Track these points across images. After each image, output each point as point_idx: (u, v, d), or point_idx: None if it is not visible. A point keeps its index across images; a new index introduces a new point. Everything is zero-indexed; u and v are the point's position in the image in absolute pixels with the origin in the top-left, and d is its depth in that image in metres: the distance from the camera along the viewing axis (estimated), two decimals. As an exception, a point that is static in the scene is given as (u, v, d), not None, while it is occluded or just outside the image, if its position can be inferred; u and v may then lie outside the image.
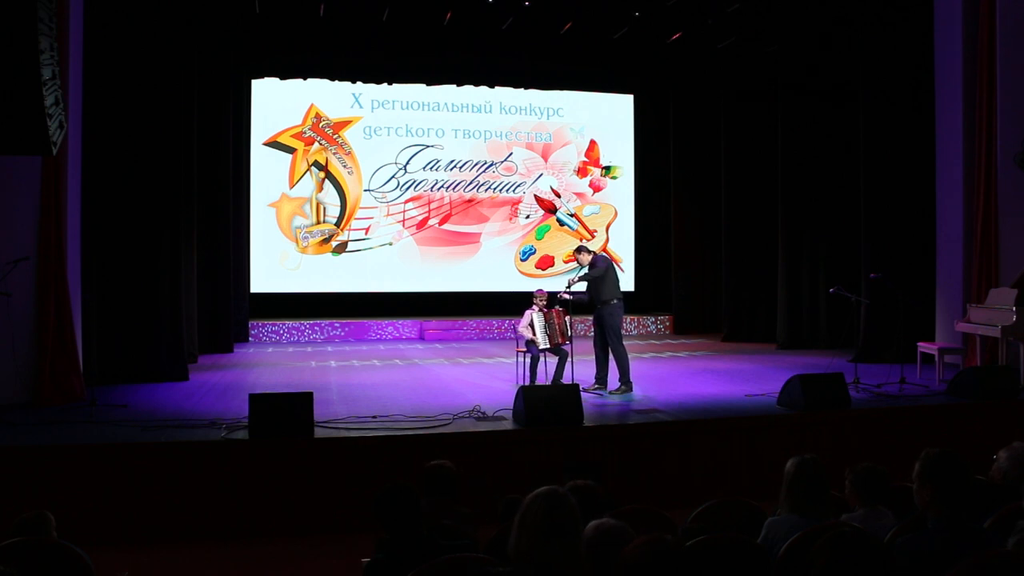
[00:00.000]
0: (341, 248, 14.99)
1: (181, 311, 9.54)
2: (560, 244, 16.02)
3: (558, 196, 16.03)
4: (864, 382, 8.42)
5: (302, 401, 6.36)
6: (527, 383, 8.42)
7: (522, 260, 15.84)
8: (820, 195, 12.74)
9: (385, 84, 15.12)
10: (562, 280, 14.51)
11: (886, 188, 11.11)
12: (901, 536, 3.12)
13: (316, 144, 14.84)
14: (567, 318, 8.72)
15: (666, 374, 10.03)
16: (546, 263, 15.94)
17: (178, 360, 9.30)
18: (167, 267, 9.38)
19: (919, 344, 9.61)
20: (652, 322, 15.91)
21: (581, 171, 16.21)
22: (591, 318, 14.50)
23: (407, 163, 15.29)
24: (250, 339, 13.67)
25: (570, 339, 8.70)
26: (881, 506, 3.75)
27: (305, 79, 14.70)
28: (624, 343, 8.51)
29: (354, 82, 14.96)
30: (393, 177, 15.22)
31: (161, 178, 9.32)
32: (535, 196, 15.92)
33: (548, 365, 8.93)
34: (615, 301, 8.48)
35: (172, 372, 9.13)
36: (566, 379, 8.42)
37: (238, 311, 13.22)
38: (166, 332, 9.24)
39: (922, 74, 10.76)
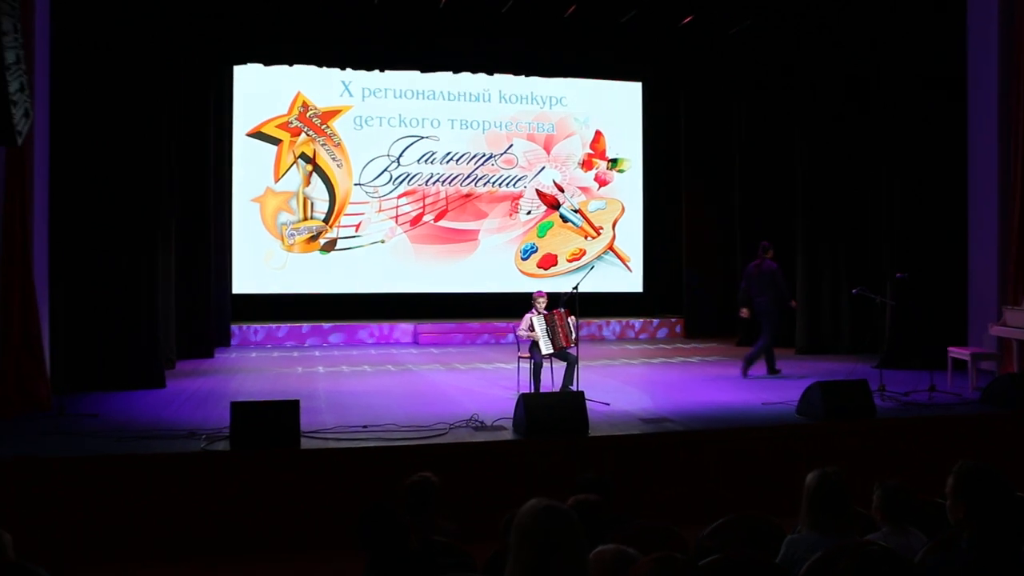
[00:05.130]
0: (330, 246, 14.96)
1: (158, 313, 9.51)
2: (563, 242, 15.99)
3: (561, 191, 16.00)
4: (890, 390, 8.40)
5: (288, 409, 6.35)
6: (530, 391, 8.41)
7: (523, 259, 15.81)
8: (842, 189, 12.68)
9: (377, 71, 15.09)
10: (565, 280, 14.57)
11: (912, 182, 11.08)
12: (932, 556, 3.09)
13: (303, 135, 14.81)
14: (571, 319, 8.71)
15: (677, 381, 10.01)
16: (548, 262, 15.91)
17: (154, 366, 9.27)
18: (143, 266, 9.33)
19: (950, 349, 9.57)
20: (661, 325, 15.86)
21: (586, 164, 16.18)
22: (595, 322, 14.46)
23: (400, 155, 15.26)
24: (232, 343, 13.61)
25: (576, 342, 8.68)
26: (909, 526, 3.72)
27: (291, 65, 14.66)
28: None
29: (344, 69, 14.93)
30: (385, 170, 15.20)
31: (137, 171, 9.27)
32: (537, 191, 15.89)
33: (555, 373, 8.93)
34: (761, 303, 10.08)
35: (148, 379, 9.10)
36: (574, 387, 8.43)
37: (219, 313, 13.17)
38: (141, 335, 9.20)
39: (952, 63, 10.71)
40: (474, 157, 15.61)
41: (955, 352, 9.53)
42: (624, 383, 9.80)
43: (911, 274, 9.27)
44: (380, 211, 15.18)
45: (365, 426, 6.98)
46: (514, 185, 15.79)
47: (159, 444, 6.36)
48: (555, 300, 9.16)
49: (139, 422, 7.21)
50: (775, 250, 10.28)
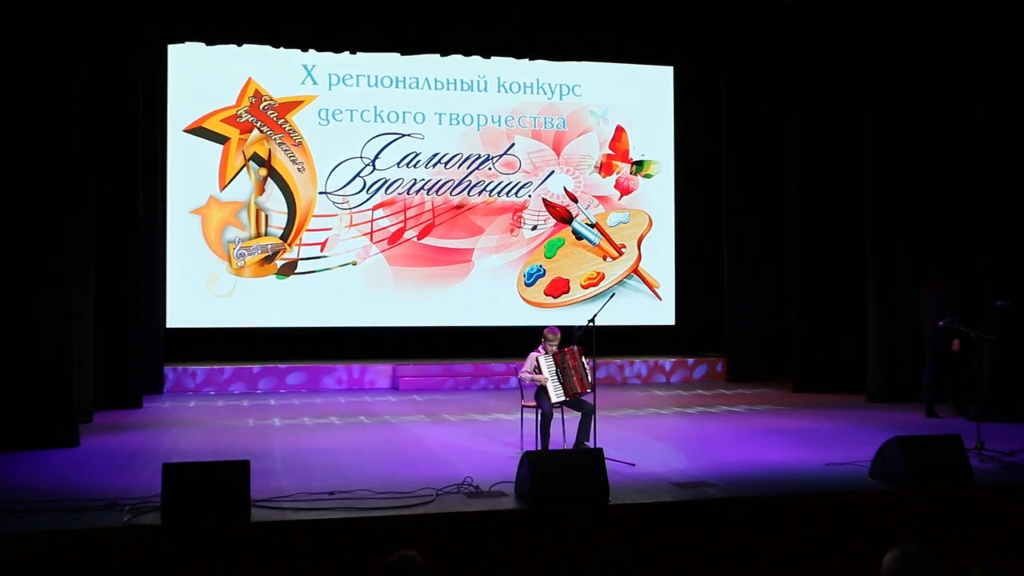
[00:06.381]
0: (288, 269, 14.96)
1: (70, 352, 9.47)
2: (577, 263, 15.99)
3: (574, 201, 16.03)
4: (990, 448, 8.35)
5: (235, 472, 6.32)
6: (536, 448, 8.41)
7: (527, 284, 15.80)
8: (924, 196, 12.68)
9: (347, 53, 15.12)
10: (579, 310, 14.56)
11: (1013, 187, 11.06)
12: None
13: (255, 131, 14.86)
14: (585, 359, 8.69)
15: (719, 435, 10.01)
16: (558, 288, 15.89)
17: (64, 419, 9.22)
18: (55, 295, 9.30)
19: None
20: (698, 366, 15.82)
21: (605, 168, 16.22)
22: (617, 362, 14.38)
23: (376, 157, 15.31)
24: (165, 390, 13.63)
25: (593, 387, 8.68)
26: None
27: (240, 45, 14.69)
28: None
29: (306, 50, 14.94)
30: (358, 175, 15.23)
31: (44, 178, 9.26)
32: (544, 200, 15.92)
33: (567, 426, 8.93)
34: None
35: (55, 435, 9.04)
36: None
37: (149, 352, 13.19)
38: (47, 381, 9.15)
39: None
40: (467, 159, 15.65)
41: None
42: (653, 438, 9.81)
43: (1015, 301, 9.23)
44: (351, 226, 15.19)
45: (332, 492, 6.96)
46: (516, 194, 15.82)
47: (69, 518, 6.29)
48: (567, 336, 9.14)
49: (44, 490, 7.14)
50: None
